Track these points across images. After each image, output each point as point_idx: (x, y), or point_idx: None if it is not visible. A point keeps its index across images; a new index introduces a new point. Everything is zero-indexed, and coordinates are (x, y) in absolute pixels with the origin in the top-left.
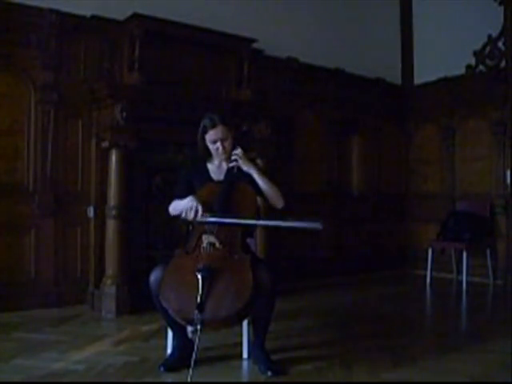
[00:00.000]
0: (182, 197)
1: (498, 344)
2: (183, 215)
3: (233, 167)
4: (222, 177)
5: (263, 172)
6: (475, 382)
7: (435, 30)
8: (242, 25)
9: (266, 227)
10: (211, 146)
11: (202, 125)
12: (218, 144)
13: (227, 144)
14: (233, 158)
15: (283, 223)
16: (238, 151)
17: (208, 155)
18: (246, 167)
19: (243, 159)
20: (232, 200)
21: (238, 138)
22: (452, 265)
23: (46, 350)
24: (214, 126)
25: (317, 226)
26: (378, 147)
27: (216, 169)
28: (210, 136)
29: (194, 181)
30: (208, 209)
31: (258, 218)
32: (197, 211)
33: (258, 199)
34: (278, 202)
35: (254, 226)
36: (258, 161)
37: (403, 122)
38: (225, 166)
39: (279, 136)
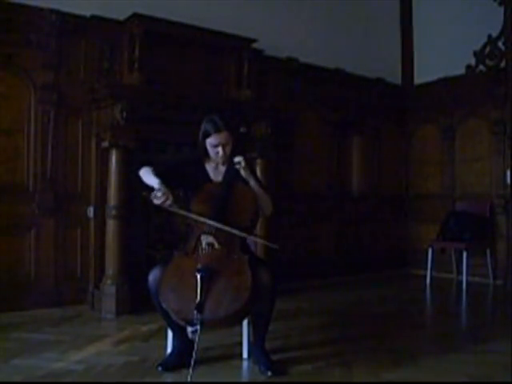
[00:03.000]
0: (160, 172)
1: (498, 344)
2: (152, 196)
3: (234, 169)
4: (220, 178)
5: (259, 181)
6: (475, 381)
7: (435, 30)
8: (242, 25)
9: (266, 228)
10: (211, 150)
11: (204, 127)
12: (219, 149)
13: (228, 149)
14: (236, 161)
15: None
16: (241, 159)
17: (205, 156)
18: (246, 175)
19: (245, 168)
20: (232, 201)
21: (236, 140)
22: (452, 265)
23: (46, 350)
24: (217, 131)
25: (272, 245)
26: (378, 147)
27: (214, 170)
28: (212, 140)
29: (191, 176)
30: (208, 209)
31: (258, 219)
32: (166, 199)
33: None
34: (268, 210)
35: (253, 226)
36: (258, 161)
37: (403, 122)
38: (222, 168)
39: (279, 136)
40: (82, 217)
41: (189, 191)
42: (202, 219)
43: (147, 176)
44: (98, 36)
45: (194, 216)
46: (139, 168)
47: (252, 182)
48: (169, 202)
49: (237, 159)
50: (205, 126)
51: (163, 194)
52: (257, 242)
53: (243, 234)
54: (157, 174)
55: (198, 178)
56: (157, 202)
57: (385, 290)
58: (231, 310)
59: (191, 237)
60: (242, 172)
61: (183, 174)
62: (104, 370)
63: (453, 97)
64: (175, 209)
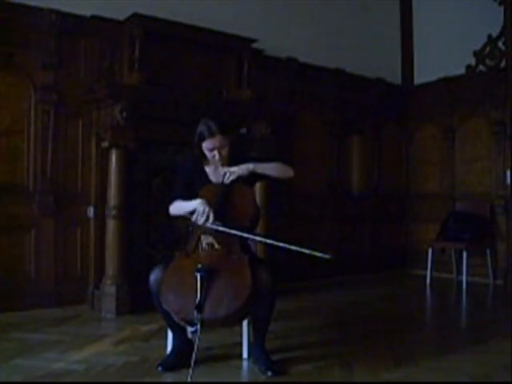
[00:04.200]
0: (183, 197)
1: (498, 344)
2: (193, 218)
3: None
4: (220, 179)
5: (262, 160)
6: (475, 382)
7: (435, 30)
8: (242, 25)
9: (266, 228)
10: (208, 153)
11: (198, 131)
12: (215, 152)
13: (224, 151)
14: (226, 176)
15: (288, 246)
16: (226, 170)
17: (204, 159)
18: (245, 171)
19: (236, 172)
20: (231, 202)
21: (236, 140)
22: (452, 265)
23: (46, 350)
24: (211, 136)
25: (326, 255)
26: (378, 147)
27: (213, 172)
28: (207, 144)
29: (193, 181)
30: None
31: (259, 218)
32: (208, 217)
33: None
34: (288, 174)
35: (253, 227)
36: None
37: (403, 122)
38: (221, 170)
39: (279, 136)
40: (82, 217)
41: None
42: (248, 236)
43: (182, 206)
44: (98, 36)
45: (232, 231)
46: (169, 204)
47: (256, 170)
48: (211, 220)
49: (226, 172)
50: (199, 129)
51: (202, 213)
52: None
53: (269, 241)
54: (183, 197)
55: (198, 181)
56: (200, 222)
57: (385, 290)
58: (231, 309)
59: (191, 237)
60: (242, 174)
61: (191, 182)
62: (104, 369)
63: (453, 97)
64: (218, 226)
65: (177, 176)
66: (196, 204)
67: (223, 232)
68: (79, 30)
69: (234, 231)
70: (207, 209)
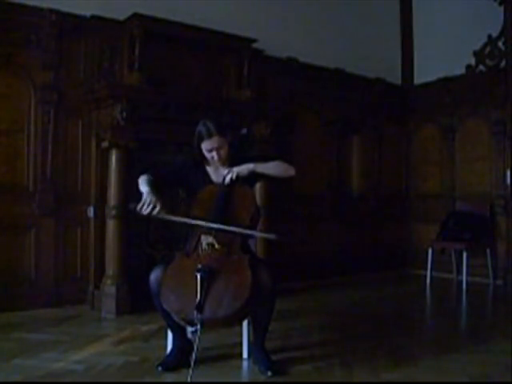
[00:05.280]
0: (160, 175)
1: (498, 344)
2: (138, 207)
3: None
4: (220, 179)
5: (260, 159)
6: (475, 382)
7: (435, 29)
8: (242, 25)
9: (266, 228)
10: (207, 154)
11: (197, 132)
12: (214, 153)
13: (223, 152)
14: (227, 179)
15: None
16: (226, 172)
17: (205, 159)
18: (245, 171)
19: (235, 172)
20: (231, 201)
21: (237, 141)
22: (452, 265)
23: (46, 350)
24: (209, 137)
25: (270, 236)
26: (378, 147)
27: (214, 172)
28: (205, 145)
29: (191, 179)
30: (208, 211)
31: (259, 218)
32: (154, 208)
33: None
34: (289, 173)
35: (254, 226)
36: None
37: (403, 121)
38: (222, 170)
39: (279, 136)
40: (82, 217)
41: (191, 194)
42: (193, 222)
43: (141, 184)
44: (98, 36)
45: (185, 220)
46: (141, 173)
47: (257, 170)
48: (157, 209)
49: (227, 174)
50: (198, 131)
51: (149, 203)
52: (256, 236)
53: (239, 230)
54: (154, 177)
55: (199, 181)
56: (145, 212)
57: (385, 290)
58: (231, 309)
59: (192, 237)
60: (244, 174)
61: (184, 178)
62: (104, 369)
63: (453, 97)
64: (164, 215)
65: (175, 162)
66: (143, 191)
67: (217, 230)
68: (79, 30)
69: (214, 225)
70: (154, 199)
